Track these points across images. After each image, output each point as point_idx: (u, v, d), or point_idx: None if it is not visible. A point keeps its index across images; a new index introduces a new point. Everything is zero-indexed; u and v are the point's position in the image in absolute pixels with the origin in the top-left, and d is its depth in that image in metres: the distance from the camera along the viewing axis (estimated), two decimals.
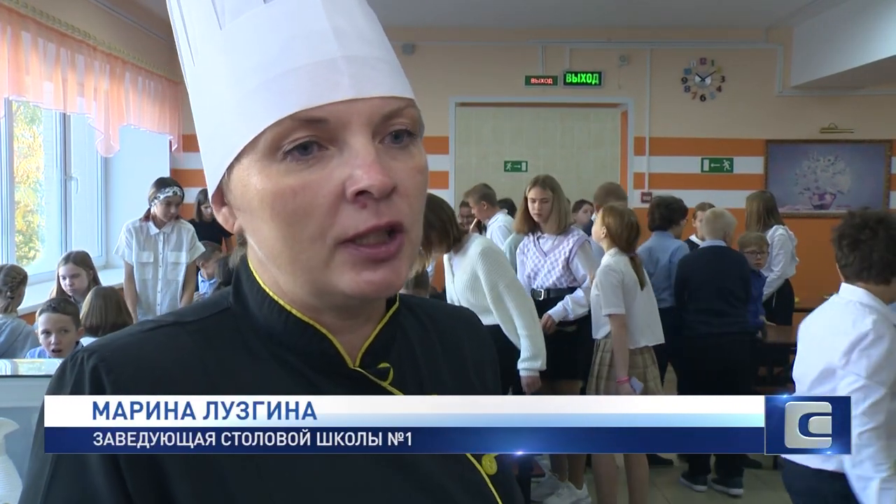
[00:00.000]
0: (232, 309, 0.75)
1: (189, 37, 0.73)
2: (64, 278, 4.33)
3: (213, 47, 0.70)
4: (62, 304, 3.54)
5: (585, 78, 7.71)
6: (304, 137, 0.66)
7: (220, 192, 0.73)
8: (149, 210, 5.03)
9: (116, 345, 0.69)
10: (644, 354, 4.00)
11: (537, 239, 4.43)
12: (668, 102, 7.78)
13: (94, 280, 4.42)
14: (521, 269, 4.46)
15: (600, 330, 4.03)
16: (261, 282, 0.75)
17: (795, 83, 7.60)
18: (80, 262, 4.39)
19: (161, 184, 5.01)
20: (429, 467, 0.72)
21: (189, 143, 6.97)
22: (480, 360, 0.88)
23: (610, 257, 4.00)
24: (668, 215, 5.31)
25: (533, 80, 7.73)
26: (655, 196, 5.98)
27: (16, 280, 4.04)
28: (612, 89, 7.78)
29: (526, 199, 4.40)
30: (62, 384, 0.67)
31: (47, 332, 3.42)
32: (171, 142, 6.91)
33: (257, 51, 0.68)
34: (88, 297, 3.83)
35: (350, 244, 0.67)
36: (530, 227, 4.44)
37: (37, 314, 3.58)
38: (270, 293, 0.74)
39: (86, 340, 3.60)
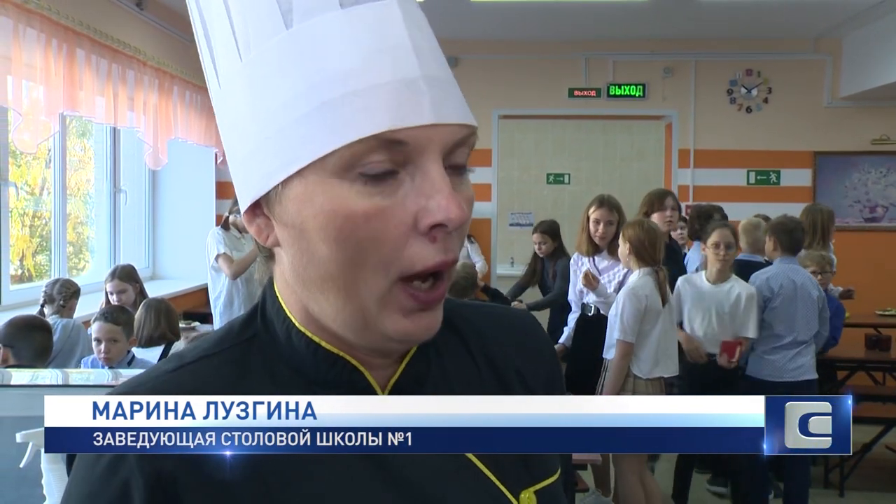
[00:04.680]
0: (259, 336, 0.72)
1: (236, 31, 0.66)
2: (111, 294, 4.41)
3: (275, 47, 0.64)
4: (114, 314, 3.61)
5: (629, 90, 7.65)
6: (383, 161, 0.62)
7: (258, 203, 0.68)
8: (226, 219, 5.28)
9: (139, 391, 0.66)
10: (655, 384, 3.76)
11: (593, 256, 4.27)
12: (714, 114, 7.67)
13: (141, 293, 4.49)
14: (574, 284, 4.38)
15: (612, 350, 3.79)
16: (286, 308, 0.71)
17: (845, 94, 7.45)
18: (124, 277, 4.46)
19: None
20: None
21: None
22: (521, 365, 0.81)
23: (638, 279, 3.75)
24: (701, 224, 5.20)
25: (576, 93, 7.69)
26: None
27: (69, 291, 4.18)
28: (656, 101, 7.71)
29: (588, 218, 4.15)
30: None
31: (98, 341, 3.53)
32: (216, 154, 7.02)
33: (336, 59, 0.62)
34: (139, 310, 3.92)
35: (407, 286, 0.65)
36: (594, 250, 4.18)
37: (91, 321, 3.68)
38: (296, 322, 0.71)
39: (138, 352, 3.74)
